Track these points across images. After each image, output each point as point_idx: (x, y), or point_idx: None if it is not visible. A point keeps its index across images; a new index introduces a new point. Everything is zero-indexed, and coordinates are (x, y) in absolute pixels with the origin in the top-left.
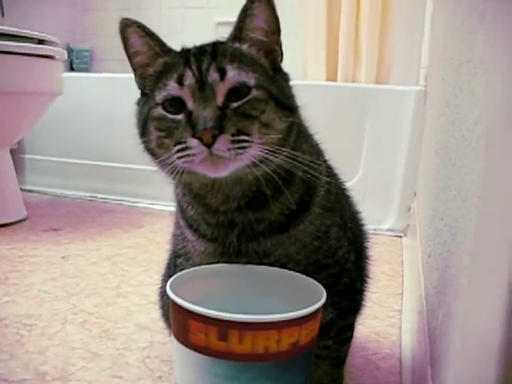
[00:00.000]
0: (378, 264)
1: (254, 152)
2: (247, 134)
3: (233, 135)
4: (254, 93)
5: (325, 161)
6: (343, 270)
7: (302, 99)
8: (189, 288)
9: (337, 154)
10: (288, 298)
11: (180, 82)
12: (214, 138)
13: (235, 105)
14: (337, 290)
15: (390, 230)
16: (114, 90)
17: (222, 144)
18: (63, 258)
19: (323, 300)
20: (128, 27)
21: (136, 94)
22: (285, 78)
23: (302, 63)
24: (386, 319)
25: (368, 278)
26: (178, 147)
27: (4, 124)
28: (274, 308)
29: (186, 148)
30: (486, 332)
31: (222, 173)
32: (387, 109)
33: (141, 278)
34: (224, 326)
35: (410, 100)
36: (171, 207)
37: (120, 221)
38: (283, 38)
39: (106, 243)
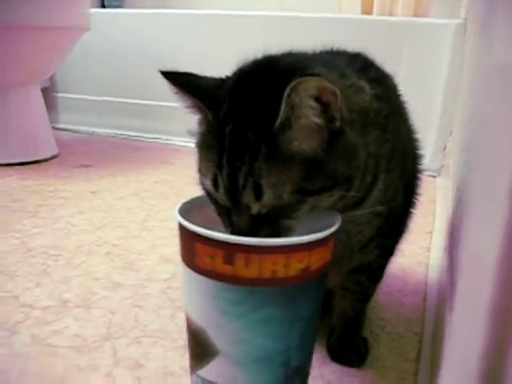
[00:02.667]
0: None
1: None
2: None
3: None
4: (285, 200)
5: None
6: (393, 212)
7: (335, 34)
8: (201, 213)
9: None
10: (305, 225)
11: (215, 186)
12: None
13: (265, 210)
14: (383, 231)
15: (424, 169)
16: (146, 26)
17: None
18: (93, 192)
19: (335, 227)
20: (166, 80)
21: (168, 30)
22: (345, 141)
23: None
24: (414, 257)
25: (408, 222)
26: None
27: (31, 60)
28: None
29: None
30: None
31: None
32: (424, 43)
33: (167, 213)
34: (230, 249)
35: (448, 34)
36: None
37: (150, 158)
38: None
39: (136, 179)
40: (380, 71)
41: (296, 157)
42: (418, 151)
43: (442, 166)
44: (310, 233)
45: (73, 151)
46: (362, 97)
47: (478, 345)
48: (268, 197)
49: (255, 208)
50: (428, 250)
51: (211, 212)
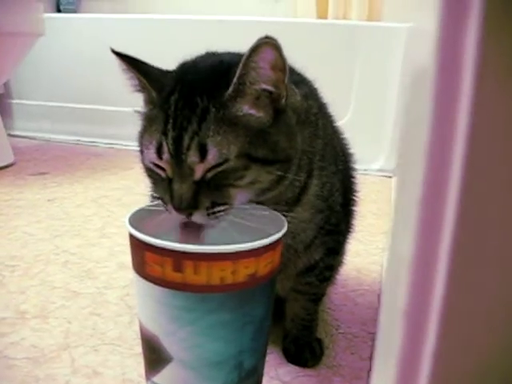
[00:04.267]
0: (365, 203)
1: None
2: (223, 203)
3: (207, 208)
4: (231, 163)
5: (317, 100)
6: (333, 211)
7: (291, 38)
8: (153, 221)
9: (327, 93)
10: (255, 229)
11: (158, 153)
12: (191, 213)
13: (210, 175)
14: (325, 229)
15: (380, 170)
16: (102, 31)
17: (198, 218)
18: (49, 201)
19: (282, 232)
20: (116, 57)
21: (124, 35)
22: (286, 120)
23: (291, 0)
24: (369, 257)
25: (352, 221)
26: (162, 199)
27: None
28: (238, 239)
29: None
30: None
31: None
32: (378, 46)
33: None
34: (178, 257)
35: (401, 37)
36: None
37: (108, 163)
38: None
39: (94, 186)
40: (301, 75)
41: (243, 121)
42: (349, 150)
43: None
44: (258, 239)
45: (29, 158)
46: (294, 97)
47: (395, 344)
48: (213, 156)
49: (199, 171)
50: (383, 250)
51: (163, 220)
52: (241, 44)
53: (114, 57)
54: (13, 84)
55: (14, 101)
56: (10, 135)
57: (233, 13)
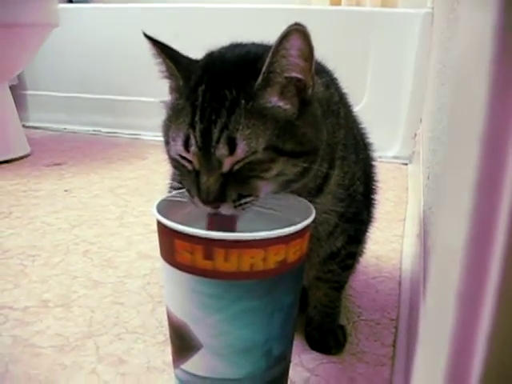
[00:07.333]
0: (382, 191)
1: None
2: (249, 195)
3: (234, 201)
4: (259, 155)
5: (337, 89)
6: (354, 200)
7: (305, 25)
8: (179, 209)
9: (341, 80)
10: (281, 218)
11: (186, 146)
12: (218, 205)
13: (237, 167)
14: (346, 217)
15: (395, 157)
16: (116, 21)
17: (225, 210)
18: (66, 191)
19: (311, 219)
20: (147, 40)
21: (137, 24)
22: (313, 111)
23: None
24: (388, 244)
25: (373, 210)
26: (188, 192)
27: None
28: (265, 228)
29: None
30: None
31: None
32: (393, 33)
33: (143, 208)
34: (209, 245)
35: (416, 23)
36: None
37: (124, 153)
38: None
39: (110, 175)
40: (321, 64)
41: (271, 113)
42: (368, 139)
43: (413, 152)
44: (286, 226)
45: (45, 149)
46: (317, 87)
47: (447, 330)
48: (241, 150)
49: (228, 164)
50: (401, 237)
51: (189, 207)
52: (254, 31)
53: (126, 45)
54: (26, 75)
55: (28, 92)
56: (24, 126)
57: (246, 0)
